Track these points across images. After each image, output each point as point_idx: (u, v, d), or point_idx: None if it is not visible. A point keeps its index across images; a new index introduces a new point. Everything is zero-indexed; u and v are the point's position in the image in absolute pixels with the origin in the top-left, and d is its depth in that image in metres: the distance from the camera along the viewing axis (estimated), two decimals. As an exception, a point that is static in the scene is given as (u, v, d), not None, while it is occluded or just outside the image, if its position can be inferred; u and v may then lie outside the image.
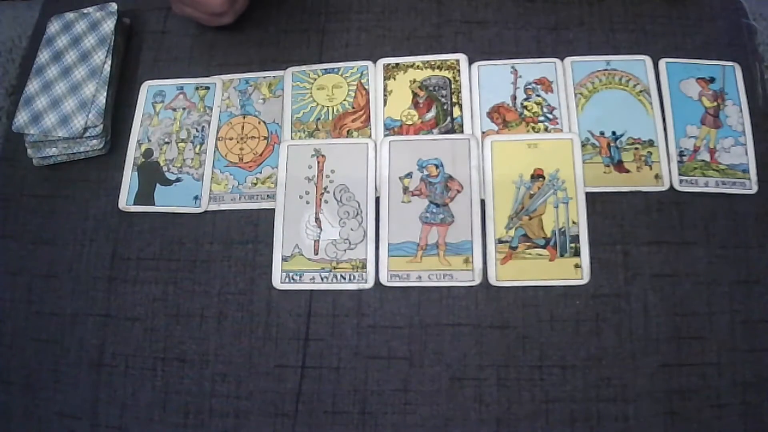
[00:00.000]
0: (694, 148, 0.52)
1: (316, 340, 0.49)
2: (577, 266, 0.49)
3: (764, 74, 0.54)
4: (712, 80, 0.53)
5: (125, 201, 0.55)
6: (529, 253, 0.49)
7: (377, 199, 0.52)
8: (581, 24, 0.56)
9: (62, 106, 0.54)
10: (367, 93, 0.56)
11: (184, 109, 0.57)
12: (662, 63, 0.54)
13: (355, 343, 0.49)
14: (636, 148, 0.51)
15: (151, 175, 0.55)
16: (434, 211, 0.51)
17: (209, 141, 0.56)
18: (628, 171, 0.51)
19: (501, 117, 0.53)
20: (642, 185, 0.51)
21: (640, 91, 0.53)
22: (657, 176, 0.51)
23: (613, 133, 0.52)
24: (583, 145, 0.52)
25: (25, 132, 0.54)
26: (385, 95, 0.55)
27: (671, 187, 0.50)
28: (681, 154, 0.51)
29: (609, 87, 0.53)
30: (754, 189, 0.50)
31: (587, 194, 0.50)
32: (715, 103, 0.53)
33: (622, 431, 0.46)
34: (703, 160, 0.51)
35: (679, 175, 0.51)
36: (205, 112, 0.57)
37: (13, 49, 0.63)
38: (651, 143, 0.51)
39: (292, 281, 0.51)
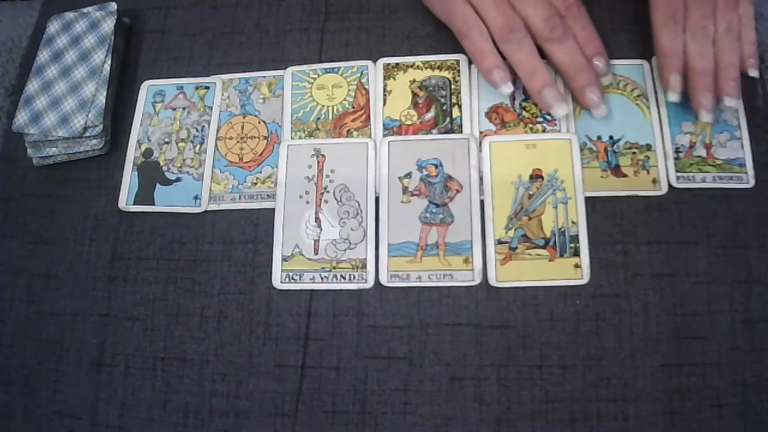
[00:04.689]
0: (690, 143, 0.52)
1: (316, 340, 0.49)
2: (576, 266, 0.49)
3: (764, 74, 0.54)
4: None
5: (125, 201, 0.55)
6: (529, 254, 0.49)
7: (377, 199, 0.52)
8: (581, 24, 0.56)
9: (62, 105, 0.54)
10: (367, 93, 0.56)
11: (184, 108, 0.57)
12: (655, 61, 0.54)
13: (355, 343, 0.49)
14: (633, 153, 0.51)
15: (151, 174, 0.55)
16: (434, 211, 0.51)
17: (209, 141, 0.56)
18: (625, 175, 0.51)
19: (499, 117, 0.53)
20: (639, 189, 0.50)
21: (638, 96, 0.53)
22: (654, 180, 0.51)
23: (611, 137, 0.52)
24: (581, 150, 0.52)
25: (25, 132, 0.54)
26: (384, 95, 0.55)
27: (669, 188, 0.50)
28: (677, 151, 0.51)
29: (607, 91, 0.53)
30: (752, 183, 0.50)
31: (585, 198, 0.50)
32: None
33: (622, 431, 0.46)
34: (699, 156, 0.51)
35: (676, 171, 0.51)
36: (205, 111, 0.57)
37: (13, 49, 0.63)
38: (648, 147, 0.51)
39: (292, 281, 0.51)
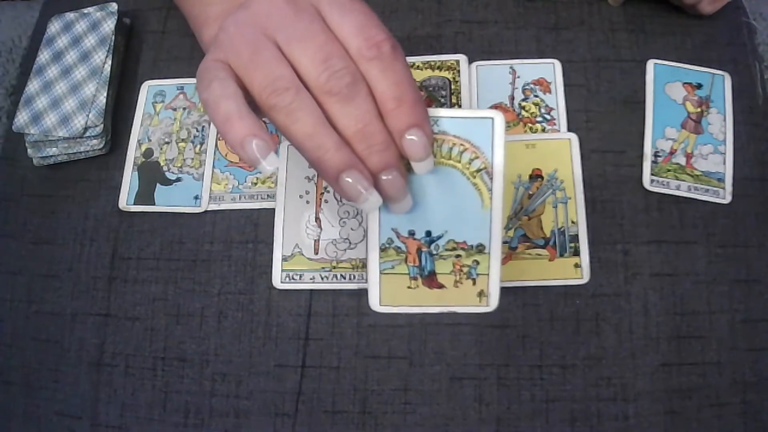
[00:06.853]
0: (670, 150, 0.51)
1: (316, 340, 0.49)
2: (576, 266, 0.49)
3: (764, 74, 0.54)
4: (699, 86, 0.53)
5: (125, 201, 0.55)
6: (529, 254, 0.49)
7: (377, 199, 0.52)
8: (581, 24, 0.56)
9: (62, 106, 0.54)
10: (367, 93, 0.55)
11: (184, 108, 0.57)
12: (650, 64, 0.54)
13: (355, 343, 0.49)
14: (458, 256, 0.39)
15: (151, 174, 0.55)
16: (434, 210, 0.51)
17: (209, 141, 0.56)
18: (441, 286, 0.40)
19: (500, 117, 0.53)
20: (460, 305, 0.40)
21: (478, 170, 0.39)
22: (481, 293, 0.40)
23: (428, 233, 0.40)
24: (383, 250, 0.40)
25: (26, 132, 0.54)
26: (385, 95, 0.55)
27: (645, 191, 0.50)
28: (656, 155, 0.51)
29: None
30: (728, 199, 0.50)
31: (586, 193, 0.50)
32: (699, 109, 0.52)
33: (622, 431, 0.46)
34: (677, 164, 0.51)
35: (651, 175, 0.51)
36: (205, 111, 0.57)
37: (13, 49, 0.63)
38: (480, 250, 0.40)
39: (292, 281, 0.51)
